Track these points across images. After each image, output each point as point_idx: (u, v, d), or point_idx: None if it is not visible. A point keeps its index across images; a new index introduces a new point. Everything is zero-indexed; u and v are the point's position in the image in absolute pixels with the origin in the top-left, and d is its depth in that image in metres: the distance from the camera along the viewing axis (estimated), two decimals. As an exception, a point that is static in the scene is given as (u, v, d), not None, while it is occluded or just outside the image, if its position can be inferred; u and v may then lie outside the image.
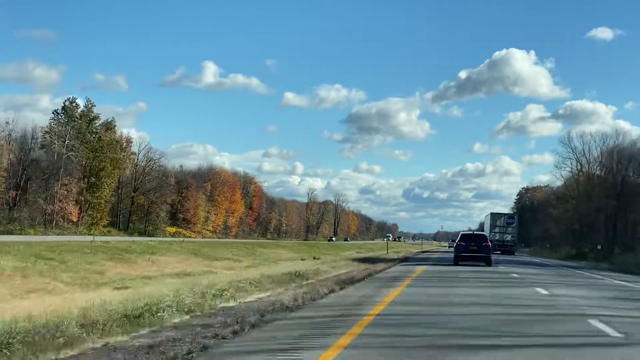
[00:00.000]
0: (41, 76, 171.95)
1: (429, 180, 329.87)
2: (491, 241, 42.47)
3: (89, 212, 72.88)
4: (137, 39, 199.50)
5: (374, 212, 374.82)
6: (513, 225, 64.13)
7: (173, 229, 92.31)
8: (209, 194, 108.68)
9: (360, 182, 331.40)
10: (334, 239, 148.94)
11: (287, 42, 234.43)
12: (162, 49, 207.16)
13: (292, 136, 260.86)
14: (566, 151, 74.15)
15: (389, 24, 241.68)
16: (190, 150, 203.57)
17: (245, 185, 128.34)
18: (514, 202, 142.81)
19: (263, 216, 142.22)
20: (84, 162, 72.82)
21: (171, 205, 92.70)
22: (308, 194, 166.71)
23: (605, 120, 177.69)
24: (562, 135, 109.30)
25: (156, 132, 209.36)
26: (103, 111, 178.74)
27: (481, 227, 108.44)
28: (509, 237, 63.74)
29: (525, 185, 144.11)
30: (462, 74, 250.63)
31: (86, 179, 72.65)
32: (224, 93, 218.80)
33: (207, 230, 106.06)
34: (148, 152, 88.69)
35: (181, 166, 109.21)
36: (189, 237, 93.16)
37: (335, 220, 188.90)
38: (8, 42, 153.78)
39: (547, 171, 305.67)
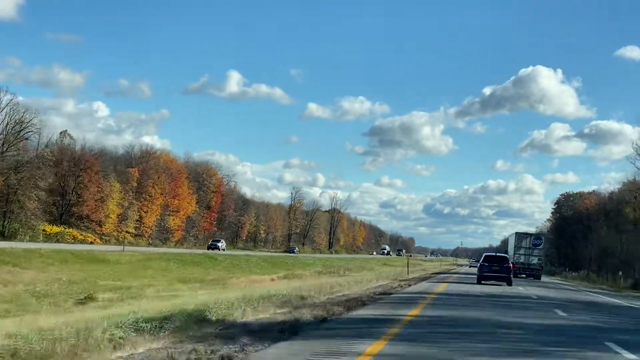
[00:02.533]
0: (66, 80, 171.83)
1: (450, 196, 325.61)
2: (515, 263, 49.98)
3: None
4: (162, 47, 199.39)
5: (393, 227, 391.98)
6: (540, 247, 57.80)
7: (56, 229, 63.23)
8: (135, 183, 79.55)
9: (382, 196, 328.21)
10: (296, 250, 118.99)
11: (312, 52, 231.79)
12: (186, 57, 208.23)
13: (314, 147, 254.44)
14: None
15: (415, 38, 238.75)
16: (212, 159, 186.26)
17: (199, 177, 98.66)
18: (551, 211, 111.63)
19: (230, 219, 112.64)
20: None
21: (49, 193, 63.32)
22: (292, 193, 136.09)
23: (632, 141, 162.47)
24: None
25: (178, 140, 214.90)
26: (126, 118, 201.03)
27: (504, 245, 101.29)
28: (535, 260, 57.25)
29: (565, 192, 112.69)
30: (487, 90, 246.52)
31: None
32: (247, 102, 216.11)
33: (128, 233, 76.70)
34: (14, 112, 59.72)
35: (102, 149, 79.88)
36: (88, 241, 64.35)
37: (331, 229, 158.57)
38: (36, 44, 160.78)
39: (570, 190, 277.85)
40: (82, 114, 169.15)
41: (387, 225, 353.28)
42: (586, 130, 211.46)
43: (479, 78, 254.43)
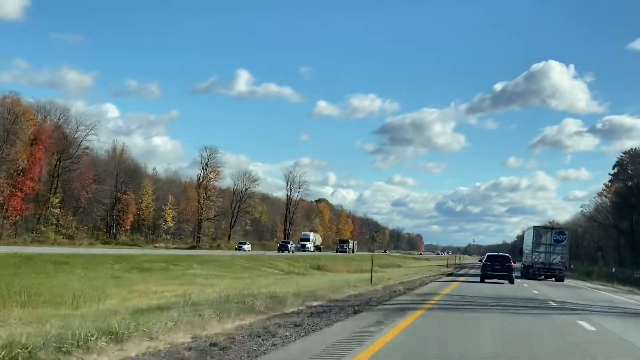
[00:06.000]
0: (74, 81, 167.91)
1: (462, 194, 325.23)
2: (532, 263, 47.55)
3: None
4: (171, 46, 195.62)
5: (406, 225, 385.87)
6: (563, 244, 48.43)
7: None
8: None
9: (393, 194, 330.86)
10: (245, 247, 79.81)
11: (321, 50, 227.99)
12: (195, 57, 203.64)
13: (324, 146, 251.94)
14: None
15: (425, 34, 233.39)
16: (222, 159, 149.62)
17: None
18: (608, 182, 68.93)
19: (96, 196, 70.82)
20: None
21: None
22: (201, 163, 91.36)
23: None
24: None
25: (188, 141, 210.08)
26: (136, 119, 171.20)
27: (520, 242, 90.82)
28: (557, 259, 48.11)
29: (633, 148, 69.57)
30: (498, 86, 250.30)
31: None
32: (256, 101, 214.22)
33: None
34: None
35: None
36: None
37: (286, 218, 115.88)
38: (43, 45, 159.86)
39: (583, 187, 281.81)
40: (91, 115, 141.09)
41: (400, 224, 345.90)
42: (599, 126, 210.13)
43: (490, 74, 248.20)
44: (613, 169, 71.09)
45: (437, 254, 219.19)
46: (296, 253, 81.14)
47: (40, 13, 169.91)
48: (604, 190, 73.35)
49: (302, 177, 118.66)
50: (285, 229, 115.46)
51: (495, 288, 29.32)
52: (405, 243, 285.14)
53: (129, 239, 79.00)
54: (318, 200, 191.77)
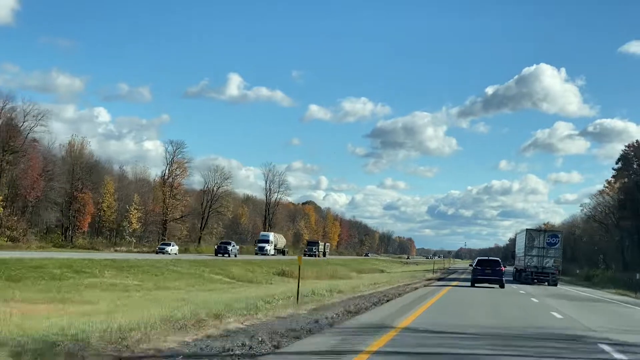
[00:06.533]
0: (65, 85, 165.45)
1: (454, 197, 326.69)
2: (525, 267, 46.52)
3: None
4: (162, 50, 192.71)
5: (398, 229, 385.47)
6: (556, 247, 47.32)
7: None
8: None
9: (385, 198, 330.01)
10: (230, 248, 69.77)
11: (313, 53, 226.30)
12: (186, 60, 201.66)
13: (316, 150, 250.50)
14: None
15: (416, 37, 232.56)
16: (214, 164, 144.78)
17: None
18: (610, 178, 62.46)
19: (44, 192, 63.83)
20: None
21: None
22: (166, 158, 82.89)
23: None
24: None
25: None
26: (127, 123, 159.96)
27: (512, 245, 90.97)
28: (550, 263, 46.86)
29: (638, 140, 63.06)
30: (489, 90, 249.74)
31: None
32: (247, 105, 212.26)
33: None
34: None
35: None
36: None
37: (266, 218, 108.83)
38: (33, 49, 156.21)
39: (574, 190, 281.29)
40: (83, 119, 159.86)
41: (392, 227, 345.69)
42: (590, 129, 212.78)
43: (482, 77, 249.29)
44: (616, 163, 64.76)
45: (427, 257, 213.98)
46: (258, 257, 72.07)
47: (31, 17, 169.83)
48: (606, 187, 66.92)
49: (282, 176, 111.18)
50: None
51: (494, 306, 21.80)
52: (396, 247, 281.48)
53: (87, 242, 71.97)
54: (305, 203, 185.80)
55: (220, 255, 66.20)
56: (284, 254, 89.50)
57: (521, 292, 33.77)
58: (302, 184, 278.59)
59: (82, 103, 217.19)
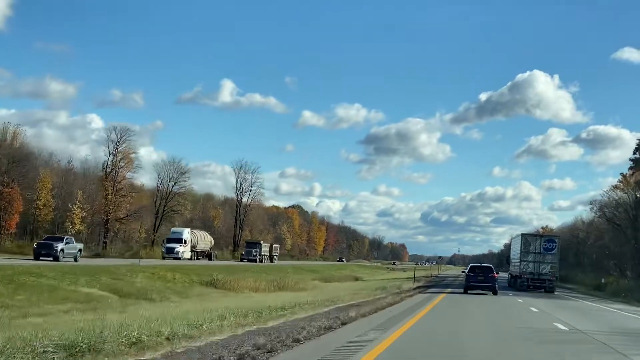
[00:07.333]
0: (57, 91, 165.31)
1: (447, 204, 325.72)
2: (521, 273, 45.27)
3: None
4: (155, 56, 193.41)
5: (391, 235, 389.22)
6: (553, 252, 46.00)
7: None
8: None
9: (379, 204, 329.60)
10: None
11: (306, 59, 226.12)
12: (179, 66, 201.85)
13: (310, 156, 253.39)
14: None
15: (409, 44, 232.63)
16: (208, 170, 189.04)
17: None
18: (626, 172, 53.01)
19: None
20: None
21: None
22: (108, 147, 69.76)
23: (630, 147, 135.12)
24: None
25: (173, 151, 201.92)
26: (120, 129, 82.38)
27: (506, 251, 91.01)
28: (547, 269, 45.64)
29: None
30: (483, 96, 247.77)
31: None
32: (240, 111, 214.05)
33: None
34: None
35: None
36: None
37: (237, 220, 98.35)
38: (26, 55, 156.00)
39: (567, 197, 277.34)
40: (76, 125, 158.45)
41: (385, 234, 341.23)
42: (583, 135, 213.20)
43: (475, 83, 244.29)
44: (634, 153, 55.13)
45: (418, 264, 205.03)
46: (173, 262, 55.47)
47: (23, 23, 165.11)
48: (620, 182, 57.19)
49: (254, 174, 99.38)
50: (235, 235, 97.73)
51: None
52: (388, 253, 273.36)
53: (16, 246, 61.73)
54: (290, 207, 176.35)
55: (42, 259, 40.31)
56: (210, 258, 72.33)
57: (533, 308, 23.94)
58: (296, 190, 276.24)
59: (75, 109, 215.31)
